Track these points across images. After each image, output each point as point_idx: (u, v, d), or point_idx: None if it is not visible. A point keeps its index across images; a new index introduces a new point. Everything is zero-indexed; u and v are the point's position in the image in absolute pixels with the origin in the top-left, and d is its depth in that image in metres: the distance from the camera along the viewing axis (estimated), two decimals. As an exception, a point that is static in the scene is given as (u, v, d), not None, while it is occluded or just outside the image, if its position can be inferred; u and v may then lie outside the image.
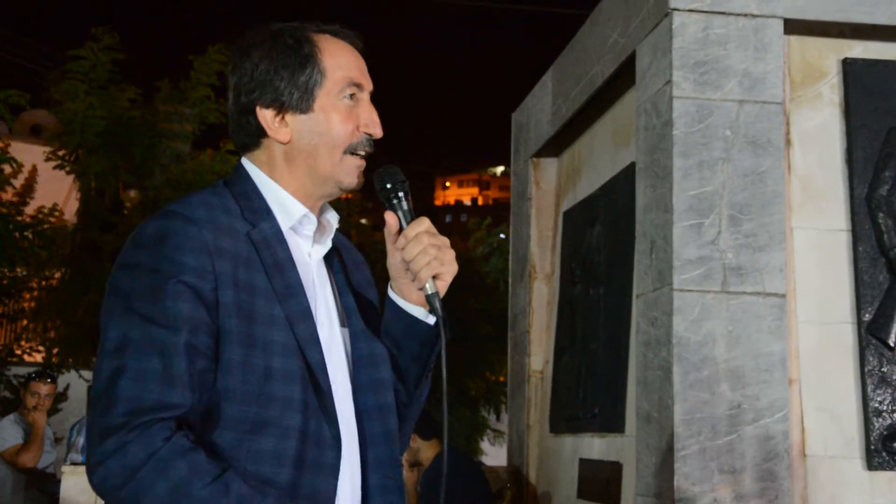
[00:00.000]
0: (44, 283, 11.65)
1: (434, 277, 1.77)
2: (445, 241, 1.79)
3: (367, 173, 1.85)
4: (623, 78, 4.09)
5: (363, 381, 1.79)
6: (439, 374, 1.77)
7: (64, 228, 11.92)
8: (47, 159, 11.60)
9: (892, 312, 3.48)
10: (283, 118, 1.77)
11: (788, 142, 3.61)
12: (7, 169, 10.15)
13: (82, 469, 6.13)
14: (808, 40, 3.67)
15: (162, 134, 12.52)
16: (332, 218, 1.87)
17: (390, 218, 1.80)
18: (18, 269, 11.29)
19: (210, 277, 1.62)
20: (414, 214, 1.80)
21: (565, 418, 4.71)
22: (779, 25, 3.54)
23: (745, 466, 3.31)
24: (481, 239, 14.86)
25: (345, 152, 1.78)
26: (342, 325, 1.82)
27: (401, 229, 1.80)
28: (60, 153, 11.66)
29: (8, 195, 11.57)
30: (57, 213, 11.82)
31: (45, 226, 11.30)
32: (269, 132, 1.78)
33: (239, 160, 1.84)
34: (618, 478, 3.99)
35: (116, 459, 1.53)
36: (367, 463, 1.76)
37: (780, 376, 3.37)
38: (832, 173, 3.64)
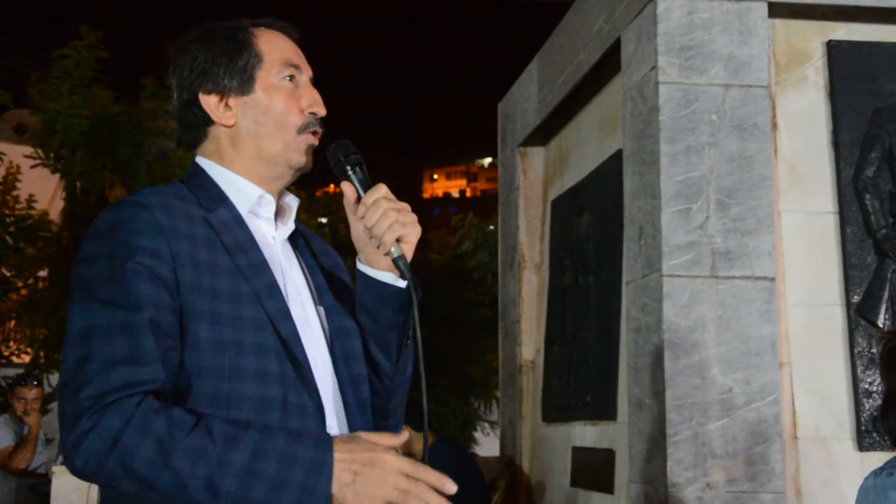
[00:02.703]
0: (30, 281, 11.61)
1: (398, 241, 1.77)
2: (405, 205, 1.79)
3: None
4: (609, 65, 4.08)
5: (337, 355, 1.81)
6: (415, 335, 1.79)
7: (47, 223, 11.86)
8: (33, 166, 11.56)
9: (880, 293, 3.49)
10: (226, 103, 1.79)
11: (775, 125, 3.61)
12: None
13: (74, 469, 6.11)
14: (792, 23, 3.66)
15: (147, 132, 12.47)
16: (292, 201, 1.88)
17: (347, 188, 1.80)
18: (5, 270, 11.23)
19: (167, 258, 1.62)
20: (370, 183, 1.80)
21: (557, 407, 4.71)
22: (763, 9, 3.53)
23: (737, 450, 3.31)
24: (467, 234, 14.86)
25: (298, 132, 1.80)
26: (316, 303, 1.83)
27: (359, 199, 1.79)
28: (43, 152, 11.60)
29: None
30: (35, 205, 11.76)
31: (29, 221, 11.25)
32: (213, 117, 1.80)
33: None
34: (610, 465, 3.99)
35: (95, 434, 1.51)
36: (352, 432, 1.78)
37: (770, 360, 3.38)
38: (819, 156, 3.64)
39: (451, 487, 1.57)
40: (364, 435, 1.61)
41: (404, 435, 1.67)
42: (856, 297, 3.51)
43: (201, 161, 1.82)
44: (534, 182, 5.37)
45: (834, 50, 3.63)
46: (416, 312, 1.78)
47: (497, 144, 5.85)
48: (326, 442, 1.56)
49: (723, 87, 3.49)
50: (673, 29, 3.48)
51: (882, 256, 3.51)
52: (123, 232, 1.63)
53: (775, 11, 3.60)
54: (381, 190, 1.77)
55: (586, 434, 4.34)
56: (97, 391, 1.53)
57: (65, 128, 11.76)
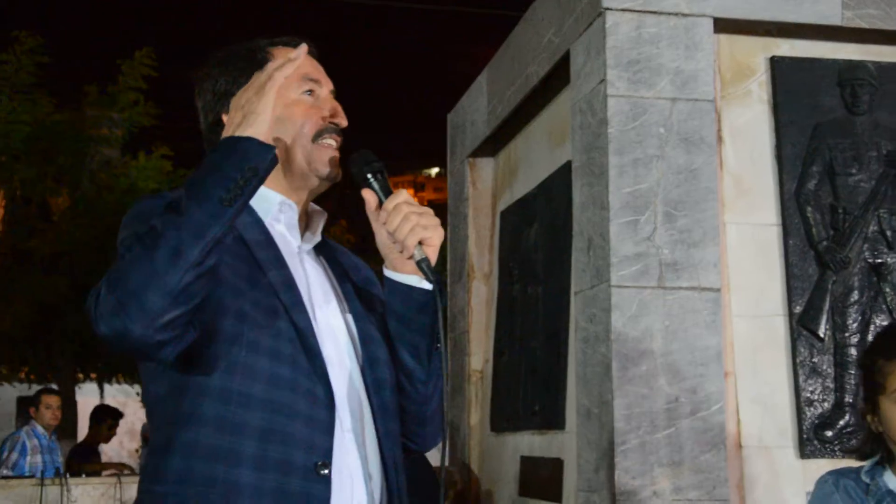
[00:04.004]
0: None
1: (421, 243, 1.80)
2: (427, 208, 1.83)
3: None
4: (558, 77, 4.12)
5: (363, 360, 1.84)
6: (441, 336, 1.84)
7: None
8: None
9: (821, 304, 3.56)
10: None
11: (720, 139, 3.68)
12: None
13: (15, 483, 5.96)
14: (737, 39, 3.74)
15: (90, 139, 12.27)
16: (318, 214, 1.93)
17: (368, 195, 1.84)
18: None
19: None
20: (391, 190, 1.84)
21: (506, 417, 4.73)
22: (709, 24, 3.60)
23: (683, 459, 3.36)
24: None
25: (313, 140, 1.84)
26: (344, 311, 1.87)
27: (380, 205, 1.82)
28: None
29: None
30: None
31: None
32: None
33: None
34: (559, 474, 4.01)
35: (91, 299, 1.59)
36: (379, 434, 1.82)
37: (716, 369, 3.43)
38: (763, 169, 3.71)
39: (304, 45, 1.78)
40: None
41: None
42: (798, 307, 3.58)
43: None
44: (483, 193, 5.40)
45: (777, 65, 3.71)
46: (440, 314, 1.83)
47: (446, 155, 5.87)
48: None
49: (670, 100, 3.54)
50: (621, 43, 3.53)
51: (823, 268, 3.59)
52: (150, 216, 1.68)
53: (721, 27, 3.67)
54: (402, 195, 1.82)
55: (535, 443, 4.36)
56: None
57: (5, 134, 11.52)
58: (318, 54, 1.94)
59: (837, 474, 2.23)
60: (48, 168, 11.73)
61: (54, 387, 10.08)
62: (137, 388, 17.43)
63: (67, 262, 11.32)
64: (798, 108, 3.69)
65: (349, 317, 1.86)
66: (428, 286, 1.84)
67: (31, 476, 6.21)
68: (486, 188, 5.39)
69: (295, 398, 1.67)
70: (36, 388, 10.58)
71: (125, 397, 18.80)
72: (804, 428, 3.51)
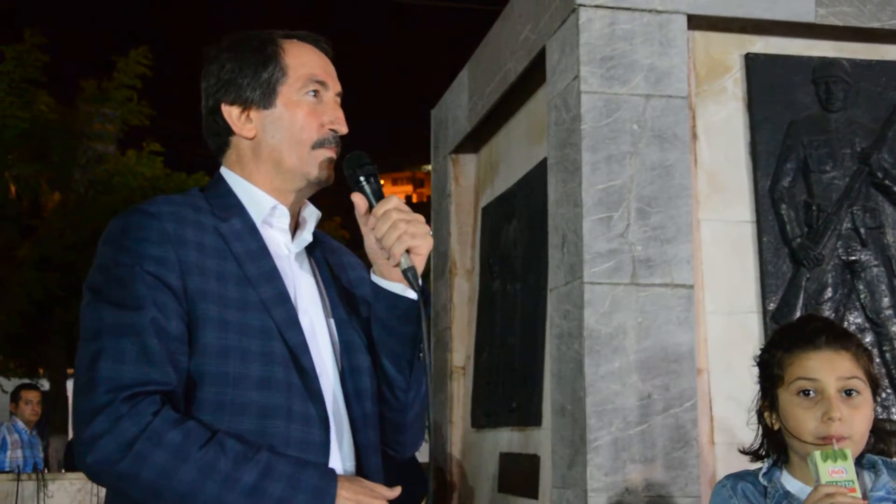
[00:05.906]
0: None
1: (408, 252, 1.78)
2: (418, 216, 1.82)
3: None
4: (535, 74, 4.11)
5: (344, 368, 1.83)
6: (425, 348, 1.82)
7: None
8: None
9: (795, 301, 3.56)
10: (247, 115, 1.82)
11: (694, 135, 3.68)
12: None
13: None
14: (711, 35, 3.73)
15: (83, 135, 12.28)
16: (311, 214, 1.90)
17: (357, 199, 1.82)
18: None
19: (173, 266, 1.65)
20: (382, 195, 1.81)
21: (485, 413, 4.73)
22: (682, 21, 3.59)
23: (655, 456, 3.36)
24: None
25: (312, 148, 1.82)
26: (328, 315, 1.85)
27: (370, 209, 1.80)
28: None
29: None
30: None
31: None
32: (234, 129, 1.83)
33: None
34: (535, 471, 4.02)
35: (110, 436, 1.55)
36: (359, 445, 1.82)
37: (688, 366, 3.43)
38: (737, 166, 3.71)
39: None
40: (365, 482, 1.68)
41: (397, 489, 1.72)
42: (772, 304, 3.58)
43: (223, 171, 1.86)
44: (466, 189, 5.39)
45: (751, 62, 3.71)
46: (425, 325, 1.80)
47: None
48: (332, 474, 1.63)
49: (643, 97, 3.54)
50: (595, 39, 3.53)
51: (797, 265, 3.59)
52: (130, 240, 1.66)
53: (695, 24, 3.66)
54: (392, 201, 1.79)
55: (513, 440, 4.36)
56: (110, 387, 1.57)
57: (0, 128, 11.53)
58: (333, 53, 1.91)
59: (735, 478, 2.22)
60: (40, 165, 11.74)
61: (33, 382, 10.10)
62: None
63: (58, 262, 11.32)
64: (773, 105, 3.68)
65: (332, 322, 1.84)
66: (413, 296, 1.81)
67: (10, 472, 6.22)
68: (468, 184, 5.38)
69: (289, 425, 1.68)
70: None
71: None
72: (777, 425, 3.51)
